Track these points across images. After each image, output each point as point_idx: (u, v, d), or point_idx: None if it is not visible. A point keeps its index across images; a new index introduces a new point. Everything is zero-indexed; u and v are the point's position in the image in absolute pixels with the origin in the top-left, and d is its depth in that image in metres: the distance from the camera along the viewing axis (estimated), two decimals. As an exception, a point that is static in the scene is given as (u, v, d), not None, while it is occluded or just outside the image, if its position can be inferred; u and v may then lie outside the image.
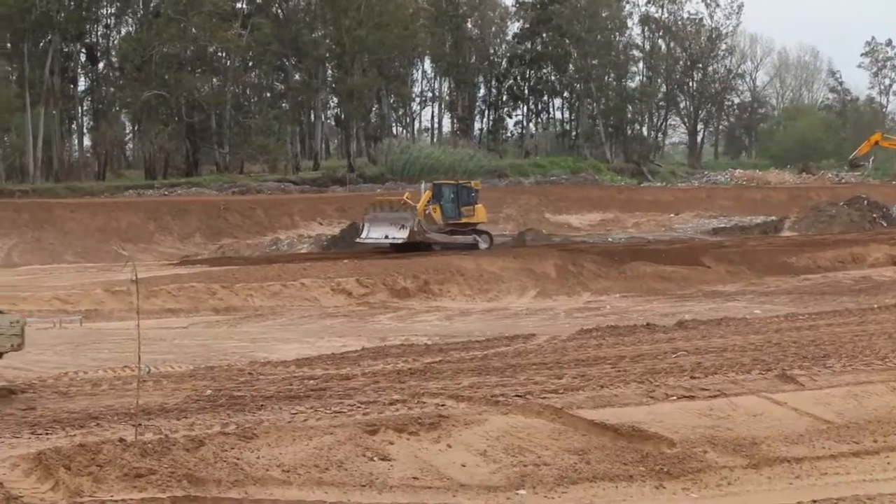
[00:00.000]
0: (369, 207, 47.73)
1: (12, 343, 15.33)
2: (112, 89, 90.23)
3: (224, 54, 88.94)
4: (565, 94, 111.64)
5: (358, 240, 46.91)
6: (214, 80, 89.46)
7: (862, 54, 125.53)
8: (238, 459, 10.90)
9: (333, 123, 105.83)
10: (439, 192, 47.66)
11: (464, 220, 47.14)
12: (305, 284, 34.17)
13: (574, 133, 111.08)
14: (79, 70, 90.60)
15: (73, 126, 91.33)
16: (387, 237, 45.34)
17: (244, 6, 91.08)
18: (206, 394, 15.09)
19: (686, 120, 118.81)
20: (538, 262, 38.22)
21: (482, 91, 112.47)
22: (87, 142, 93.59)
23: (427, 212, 46.14)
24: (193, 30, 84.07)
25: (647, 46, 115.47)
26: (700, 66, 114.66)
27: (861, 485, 11.66)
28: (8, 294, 32.23)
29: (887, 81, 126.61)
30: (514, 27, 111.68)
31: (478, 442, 11.87)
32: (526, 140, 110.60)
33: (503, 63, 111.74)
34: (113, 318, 29.17)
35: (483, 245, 46.37)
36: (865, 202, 59.31)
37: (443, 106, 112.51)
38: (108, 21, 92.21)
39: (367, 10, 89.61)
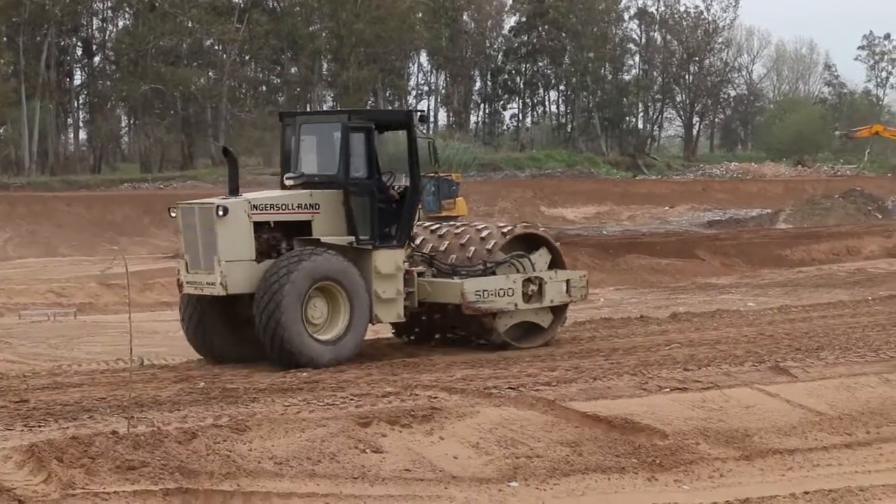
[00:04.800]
0: None
1: (581, 294, 18.00)
2: (108, 83, 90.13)
3: (220, 47, 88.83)
4: (561, 87, 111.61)
5: None
6: (210, 73, 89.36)
7: (859, 47, 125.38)
8: (230, 452, 10.92)
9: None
10: None
11: (444, 214, 46.92)
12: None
13: (570, 126, 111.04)
14: (74, 63, 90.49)
15: (69, 119, 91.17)
16: None
17: (241, 0, 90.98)
18: (199, 386, 15.10)
19: (682, 113, 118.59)
20: (533, 254, 38.08)
21: (478, 84, 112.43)
22: (82, 135, 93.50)
23: None
24: (189, 23, 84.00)
25: (643, 39, 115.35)
26: (696, 59, 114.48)
27: (853, 476, 11.69)
28: (3, 287, 32.22)
29: (884, 74, 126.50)
30: (511, 21, 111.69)
31: (470, 434, 11.88)
32: (521, 133, 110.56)
33: (499, 57, 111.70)
34: (108, 311, 29.14)
35: None
36: (860, 195, 59.45)
37: (439, 99, 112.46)
38: (104, 14, 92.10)
39: (364, 3, 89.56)
